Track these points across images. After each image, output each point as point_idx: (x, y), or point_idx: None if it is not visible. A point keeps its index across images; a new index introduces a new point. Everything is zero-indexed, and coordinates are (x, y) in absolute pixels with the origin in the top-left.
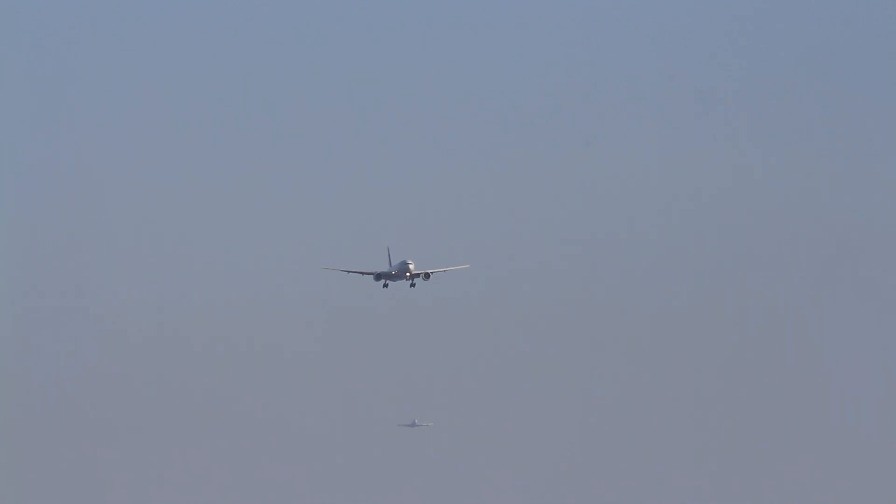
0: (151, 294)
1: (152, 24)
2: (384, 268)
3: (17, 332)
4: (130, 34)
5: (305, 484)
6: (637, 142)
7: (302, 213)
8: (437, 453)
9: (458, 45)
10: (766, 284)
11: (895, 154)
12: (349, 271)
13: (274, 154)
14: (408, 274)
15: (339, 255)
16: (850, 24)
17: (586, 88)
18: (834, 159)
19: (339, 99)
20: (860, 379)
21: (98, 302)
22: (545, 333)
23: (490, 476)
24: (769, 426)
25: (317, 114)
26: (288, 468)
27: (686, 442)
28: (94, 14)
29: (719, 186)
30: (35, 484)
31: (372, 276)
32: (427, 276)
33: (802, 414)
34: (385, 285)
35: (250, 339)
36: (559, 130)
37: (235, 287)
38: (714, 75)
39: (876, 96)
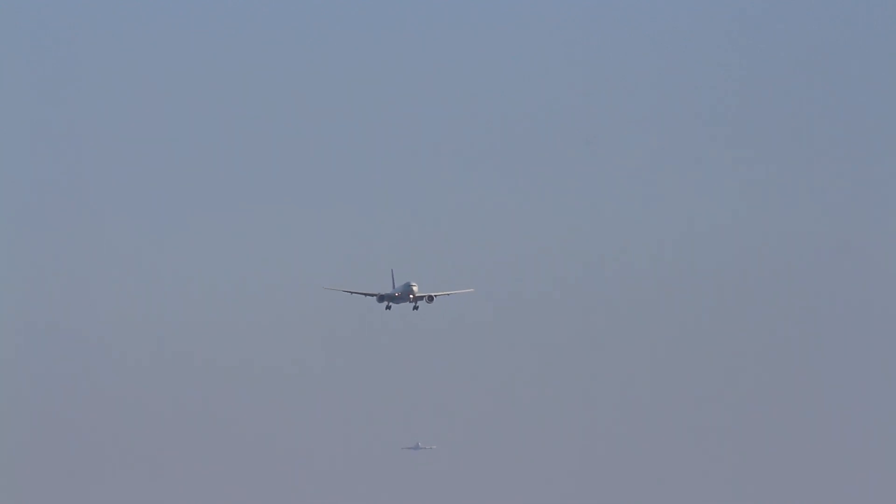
0: (151, 313)
1: (145, 28)
2: (388, 289)
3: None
4: (124, 37)
5: None
6: (638, 143)
7: (305, 232)
8: (440, 476)
9: (459, 46)
10: (767, 286)
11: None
12: (352, 292)
13: (278, 172)
14: (411, 296)
15: (341, 276)
16: (850, 25)
17: (587, 89)
18: (834, 160)
19: (344, 115)
20: (860, 381)
21: (98, 325)
22: (548, 358)
23: (493, 499)
24: (769, 435)
25: (322, 131)
26: (290, 491)
27: (686, 474)
28: (92, 14)
29: (719, 187)
30: (31, 489)
31: (375, 298)
32: (431, 298)
33: (803, 419)
34: (388, 307)
35: (251, 360)
36: (564, 134)
37: (236, 306)
38: (714, 75)
39: (876, 97)
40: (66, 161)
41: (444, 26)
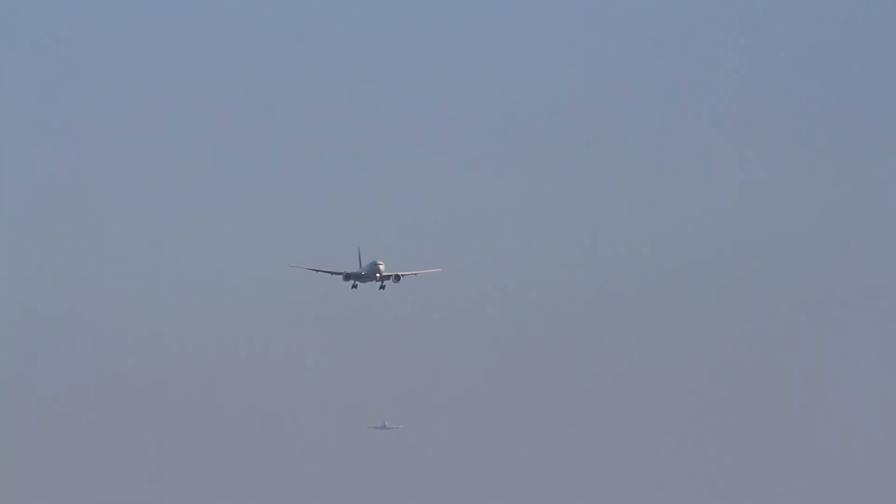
0: (117, 294)
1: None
2: (354, 268)
3: None
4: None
5: (274, 485)
6: (636, 142)
7: (269, 209)
8: (407, 456)
9: (450, 42)
10: (767, 285)
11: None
12: (317, 270)
13: (244, 149)
14: (378, 275)
15: (306, 254)
16: (850, 24)
17: (583, 88)
18: (835, 160)
19: (315, 95)
20: (860, 381)
21: (73, 302)
22: (516, 339)
23: (460, 478)
24: (766, 431)
25: (290, 109)
26: (256, 470)
27: (654, 432)
28: (87, 13)
29: (718, 187)
30: (30, 485)
31: (341, 277)
32: (397, 278)
33: (801, 417)
34: (354, 286)
35: (214, 339)
36: (547, 128)
37: (199, 286)
38: (714, 75)
39: (876, 97)
40: (53, 153)
41: (437, 23)
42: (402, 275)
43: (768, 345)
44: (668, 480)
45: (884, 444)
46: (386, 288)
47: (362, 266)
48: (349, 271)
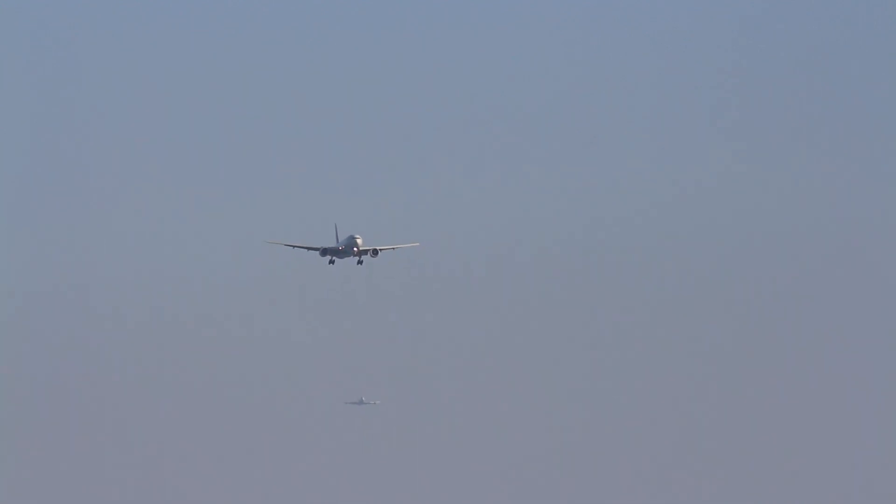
0: (92, 272)
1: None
2: (331, 243)
3: None
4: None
5: (250, 461)
6: (622, 125)
7: (246, 184)
8: (384, 431)
9: (430, 20)
10: (765, 284)
11: (894, 154)
12: (294, 246)
13: (220, 123)
14: (355, 250)
15: (284, 229)
16: (850, 24)
17: (570, 70)
18: (835, 159)
19: (291, 69)
20: (858, 377)
21: (49, 280)
22: (494, 313)
23: (437, 454)
24: (756, 423)
25: (267, 85)
26: (233, 445)
27: (636, 418)
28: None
29: (716, 187)
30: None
31: (318, 252)
32: (375, 252)
33: (796, 412)
34: (331, 261)
35: (191, 315)
36: (526, 103)
37: (176, 261)
38: (714, 74)
39: (875, 96)
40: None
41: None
42: (380, 249)
43: (766, 336)
44: (646, 456)
45: (884, 445)
46: (364, 263)
47: (339, 241)
48: (326, 246)
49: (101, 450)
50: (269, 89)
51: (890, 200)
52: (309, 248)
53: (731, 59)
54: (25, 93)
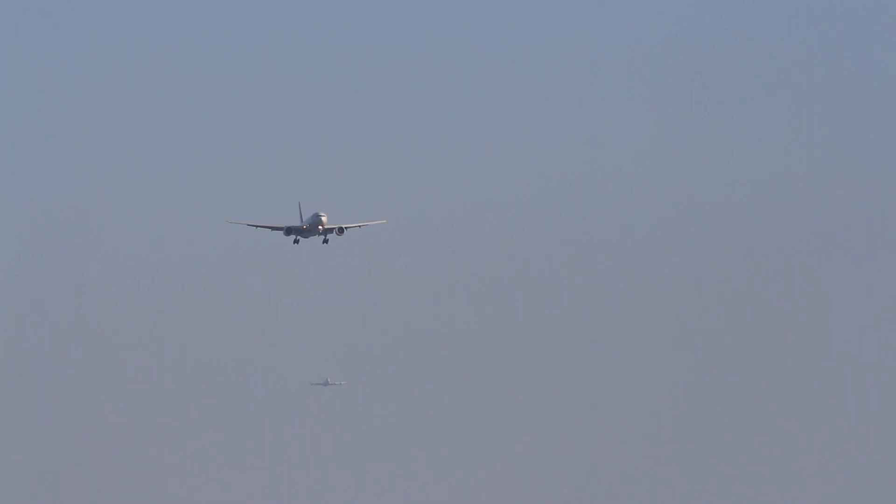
0: (52, 250)
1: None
2: (295, 222)
3: None
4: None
5: (214, 443)
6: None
7: (206, 164)
8: (349, 413)
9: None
10: (762, 282)
11: (892, 152)
12: (256, 226)
13: (182, 102)
14: (320, 228)
15: (245, 209)
16: (850, 24)
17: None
18: (833, 157)
19: (256, 42)
20: (856, 375)
21: (14, 257)
22: (462, 293)
23: (402, 436)
24: (752, 420)
25: (231, 59)
26: (197, 427)
27: (619, 405)
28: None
29: (710, 177)
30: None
31: (282, 231)
32: (341, 230)
33: (791, 407)
34: (296, 241)
35: (153, 296)
36: (494, 68)
37: (137, 245)
38: (713, 72)
39: (874, 92)
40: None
41: None
42: (346, 227)
43: (765, 330)
44: (628, 442)
45: (884, 444)
46: (329, 242)
47: (304, 219)
48: (290, 225)
49: (70, 428)
50: (229, 64)
51: (888, 195)
52: (272, 228)
53: (731, 56)
54: (15, 81)
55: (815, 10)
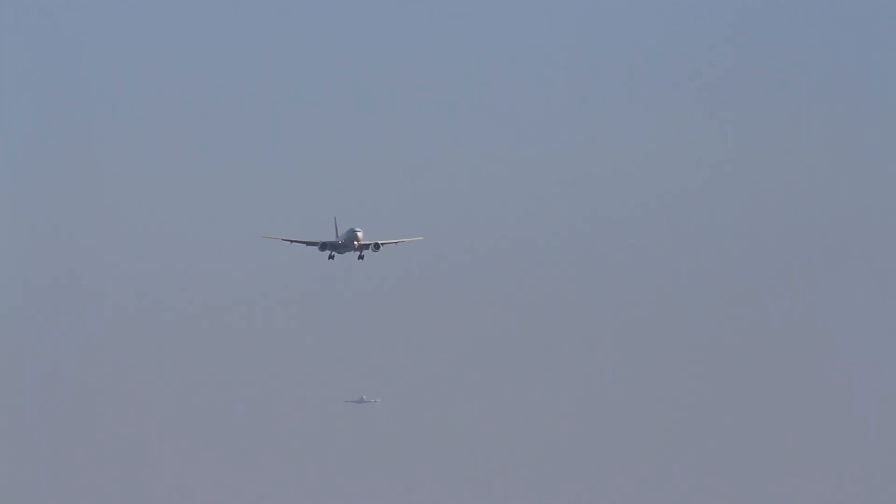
0: (87, 268)
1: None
2: (331, 237)
3: None
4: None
5: (248, 460)
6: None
7: (241, 179)
8: (384, 430)
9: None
10: (762, 282)
11: (891, 151)
12: (292, 241)
13: (215, 118)
14: (356, 244)
15: (281, 224)
16: (850, 24)
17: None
18: (834, 158)
19: (289, 58)
20: (856, 373)
21: (45, 275)
22: (498, 310)
23: (438, 455)
24: (750, 418)
25: (264, 74)
26: (231, 444)
27: (648, 414)
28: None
29: (710, 186)
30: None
31: (317, 247)
32: (377, 246)
33: (790, 406)
34: (331, 257)
35: (189, 313)
36: (529, 92)
37: (172, 260)
38: (714, 73)
39: (874, 94)
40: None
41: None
42: (382, 243)
43: (766, 331)
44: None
45: (884, 444)
46: (365, 258)
47: (339, 235)
48: (326, 241)
49: (103, 447)
50: (267, 81)
51: (887, 196)
52: (308, 243)
53: (730, 56)
54: (21, 85)
55: (815, 11)
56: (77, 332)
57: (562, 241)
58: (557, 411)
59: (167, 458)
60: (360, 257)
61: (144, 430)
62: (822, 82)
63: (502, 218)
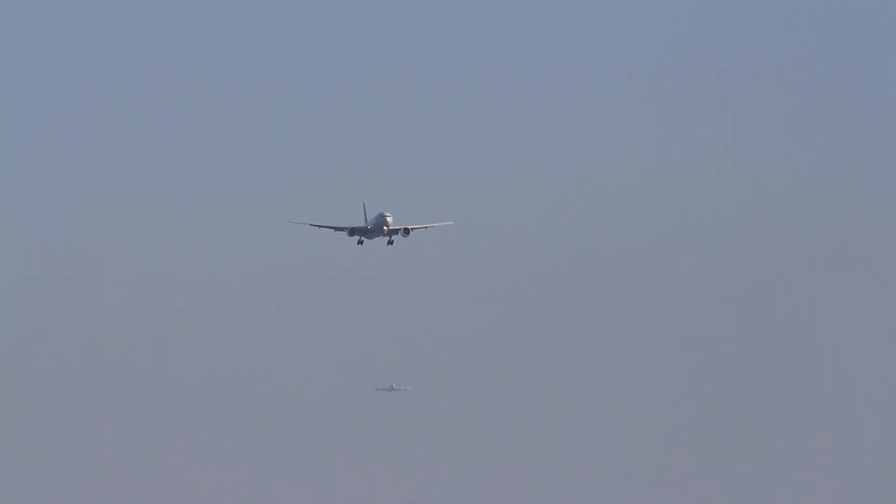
0: (115, 254)
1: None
2: (359, 222)
3: None
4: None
5: (278, 449)
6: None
7: (268, 163)
8: (414, 418)
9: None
10: (762, 282)
11: (891, 151)
12: (320, 226)
13: (241, 102)
14: (385, 229)
15: (308, 209)
16: (850, 24)
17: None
18: (835, 159)
19: (314, 39)
20: (858, 379)
21: (75, 263)
22: (531, 296)
23: (467, 443)
24: (765, 429)
25: (290, 56)
26: (260, 433)
27: (678, 417)
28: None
29: (712, 184)
30: None
31: (345, 232)
32: (407, 231)
33: (790, 407)
34: (360, 242)
35: (216, 300)
36: (558, 77)
37: (198, 246)
38: (714, 74)
39: (874, 94)
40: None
41: None
42: (412, 228)
43: (761, 338)
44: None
45: (884, 444)
46: (394, 243)
47: (368, 220)
48: (354, 226)
49: (131, 438)
50: (295, 63)
51: (887, 196)
52: (336, 229)
53: (730, 56)
54: (21, 85)
55: (815, 11)
56: (103, 319)
57: (601, 225)
58: (596, 400)
59: (195, 446)
60: (390, 242)
61: (173, 421)
62: (822, 82)
63: (536, 201)
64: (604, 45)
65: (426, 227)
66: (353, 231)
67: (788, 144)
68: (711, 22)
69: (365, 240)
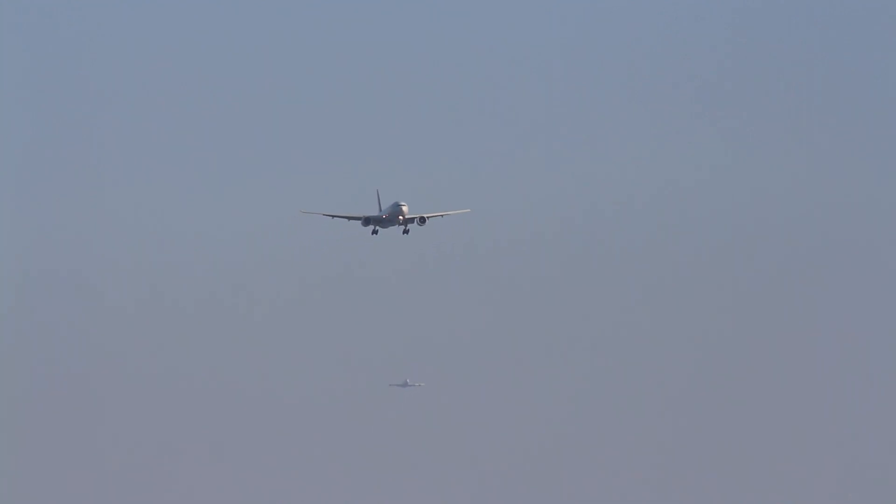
0: (124, 244)
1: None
2: (373, 211)
3: None
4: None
5: (290, 445)
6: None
7: (278, 151)
8: (428, 415)
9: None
10: (763, 283)
11: (891, 151)
12: (333, 216)
13: (251, 89)
14: (400, 218)
15: (320, 198)
16: (850, 24)
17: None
18: (835, 159)
19: (325, 27)
20: (858, 380)
21: (82, 257)
22: (550, 288)
23: (482, 440)
24: (748, 421)
25: (300, 43)
26: (272, 429)
27: (689, 409)
28: None
29: (714, 185)
30: None
31: (360, 221)
32: (422, 220)
33: (789, 406)
34: (374, 231)
35: (227, 292)
36: (574, 68)
37: (208, 237)
38: (712, 73)
39: (874, 94)
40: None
41: None
42: (428, 217)
43: (762, 338)
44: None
45: (884, 444)
46: (410, 232)
47: (383, 209)
48: (368, 215)
49: (139, 437)
50: (306, 53)
51: (887, 196)
52: (349, 218)
53: (729, 52)
54: (21, 85)
55: (815, 11)
56: (113, 311)
57: (619, 213)
58: (616, 396)
59: (204, 441)
60: (405, 232)
61: (184, 419)
62: (821, 82)
63: (555, 189)
64: (604, 45)
65: (443, 216)
66: (367, 220)
67: (788, 144)
68: (711, 22)
69: (379, 229)
